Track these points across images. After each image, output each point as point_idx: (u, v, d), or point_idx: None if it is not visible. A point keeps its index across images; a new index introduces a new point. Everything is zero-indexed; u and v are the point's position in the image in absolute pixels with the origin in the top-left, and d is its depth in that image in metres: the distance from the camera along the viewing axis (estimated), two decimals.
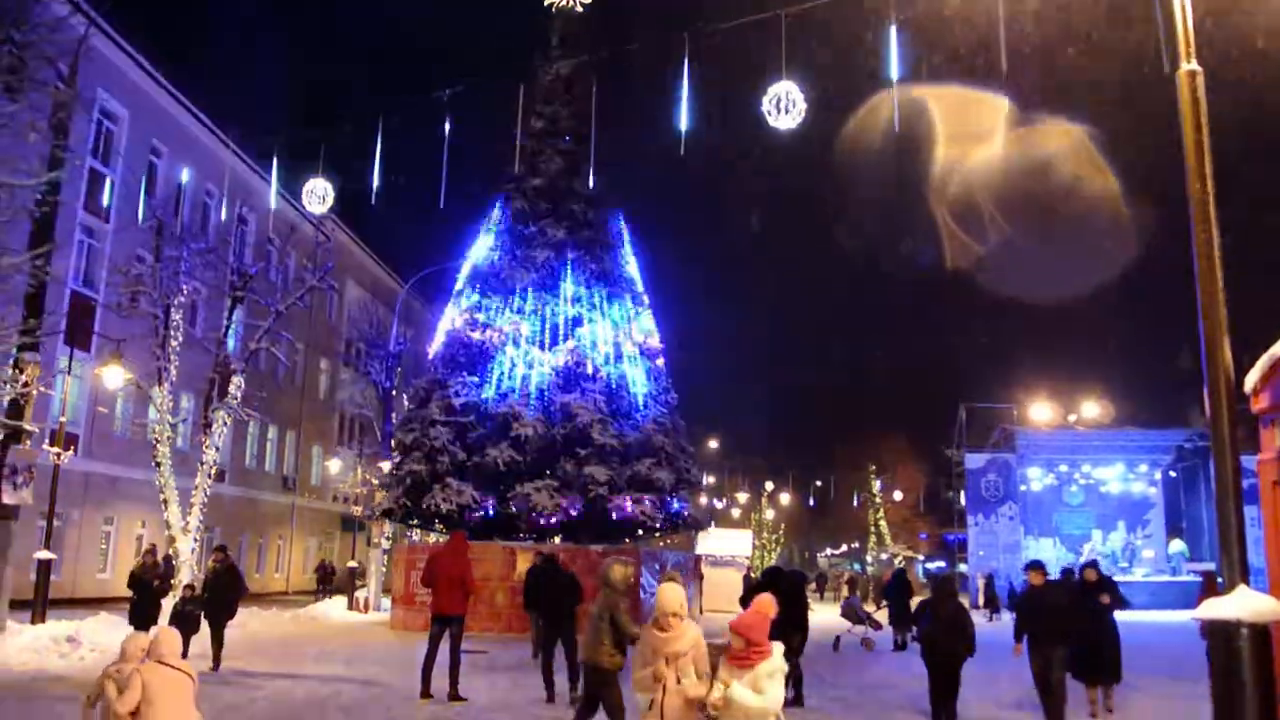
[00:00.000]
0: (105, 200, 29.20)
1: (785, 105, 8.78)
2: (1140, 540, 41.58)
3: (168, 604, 14.01)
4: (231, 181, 33.17)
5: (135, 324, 23.61)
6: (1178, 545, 40.70)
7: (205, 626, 13.21)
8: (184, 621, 12.36)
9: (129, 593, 13.97)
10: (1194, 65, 4.86)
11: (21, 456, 14.55)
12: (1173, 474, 42.05)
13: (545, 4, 27.87)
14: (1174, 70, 4.88)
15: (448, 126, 10.98)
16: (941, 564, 66.28)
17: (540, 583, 13.93)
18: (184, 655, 6.41)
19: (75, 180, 28.05)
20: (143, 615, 13.33)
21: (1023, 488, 41.77)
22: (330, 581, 36.05)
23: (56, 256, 26.93)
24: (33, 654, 14.03)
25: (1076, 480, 42.18)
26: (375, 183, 11.32)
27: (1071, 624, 10.30)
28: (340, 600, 28.78)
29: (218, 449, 23.08)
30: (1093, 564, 12.80)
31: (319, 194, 11.97)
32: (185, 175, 33.07)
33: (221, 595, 13.01)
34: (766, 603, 6.04)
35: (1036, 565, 10.86)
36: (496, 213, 26.30)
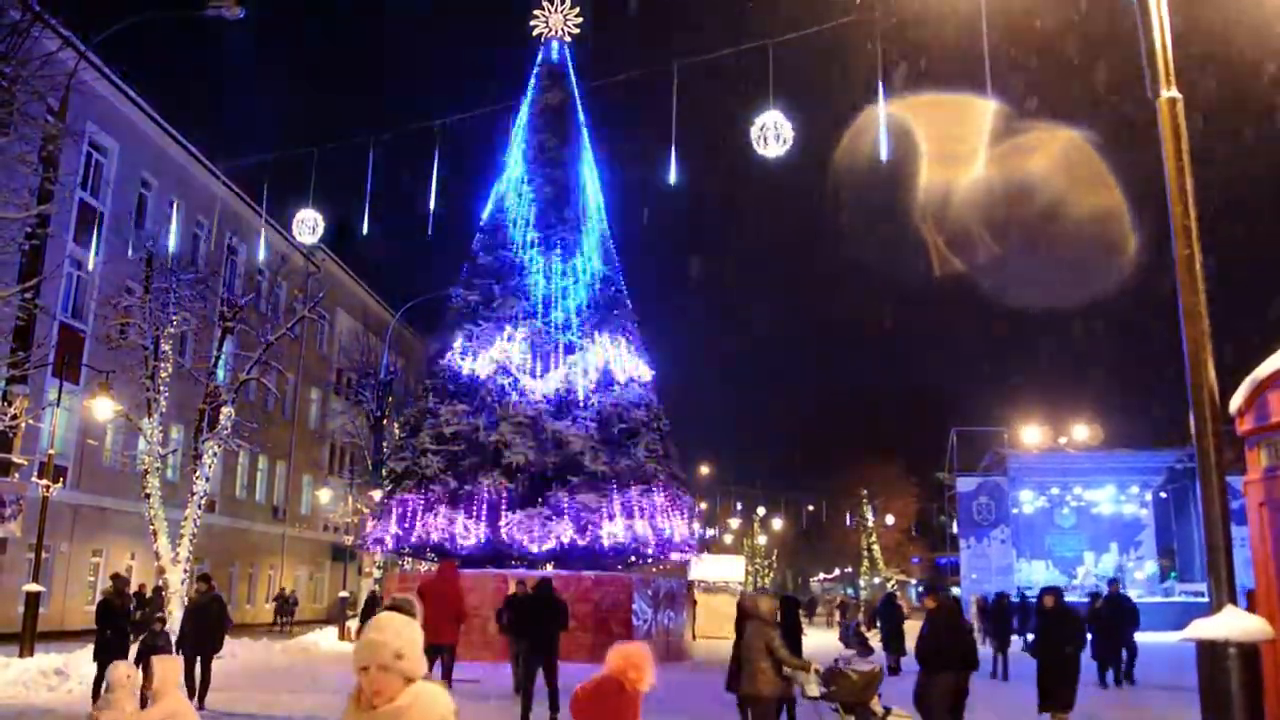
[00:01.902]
0: (94, 232, 29.21)
1: (773, 135, 8.88)
2: (1132, 562, 41.61)
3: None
4: (222, 213, 33.31)
5: (124, 355, 23.56)
6: (1150, 567, 40.80)
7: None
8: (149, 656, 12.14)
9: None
10: (1174, 92, 4.95)
11: (10, 489, 14.47)
12: (1163, 495, 42.13)
13: (534, 34, 28.13)
14: (1155, 97, 4.97)
15: (436, 158, 11.03)
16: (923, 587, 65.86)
17: (525, 609, 13.88)
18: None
19: (64, 212, 28.11)
20: (112, 649, 12.30)
21: (1014, 510, 41.79)
22: (290, 613, 35.20)
23: (45, 289, 27.00)
24: (20, 687, 13.89)
25: (1068, 502, 42.22)
26: (366, 209, 11.37)
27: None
28: (331, 631, 28.59)
29: (208, 480, 22.97)
30: (1053, 590, 12.87)
31: (309, 224, 12.01)
32: (175, 207, 33.19)
33: (206, 627, 12.46)
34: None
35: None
36: (487, 240, 26.35)
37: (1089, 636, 17.00)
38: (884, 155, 8.41)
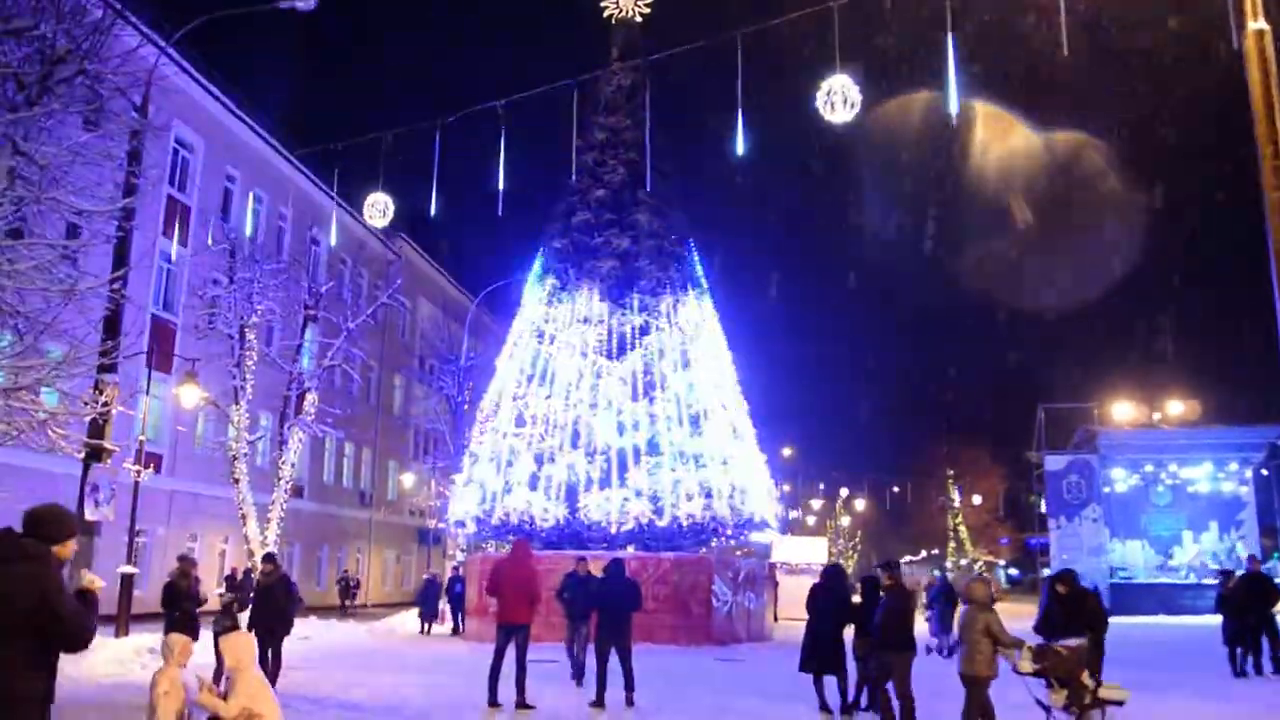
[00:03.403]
0: (182, 226, 30.06)
1: (841, 99, 8.62)
2: (1235, 541, 40.10)
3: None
4: (303, 203, 33.98)
5: (213, 345, 24.19)
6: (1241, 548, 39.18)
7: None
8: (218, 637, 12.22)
9: (205, 605, 13.99)
10: (1262, 24, 4.61)
11: (104, 475, 14.93)
12: (1264, 472, 40.54)
13: (604, 15, 28.00)
14: (1241, 29, 4.64)
15: (503, 138, 11.02)
16: (1015, 572, 64.69)
17: (583, 589, 14.09)
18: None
19: (154, 208, 28.92)
20: (181, 630, 11.58)
21: (1106, 489, 40.62)
22: (352, 595, 35.26)
23: (137, 282, 27.81)
24: (117, 665, 14.37)
25: (1163, 480, 40.85)
26: (434, 192, 11.41)
27: None
28: (414, 612, 29.04)
29: (294, 465, 23.50)
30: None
31: (380, 208, 12.11)
32: (258, 199, 33.91)
33: (274, 609, 12.29)
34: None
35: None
36: (561, 224, 26.39)
37: (1221, 619, 16.20)
38: (953, 111, 8.11)
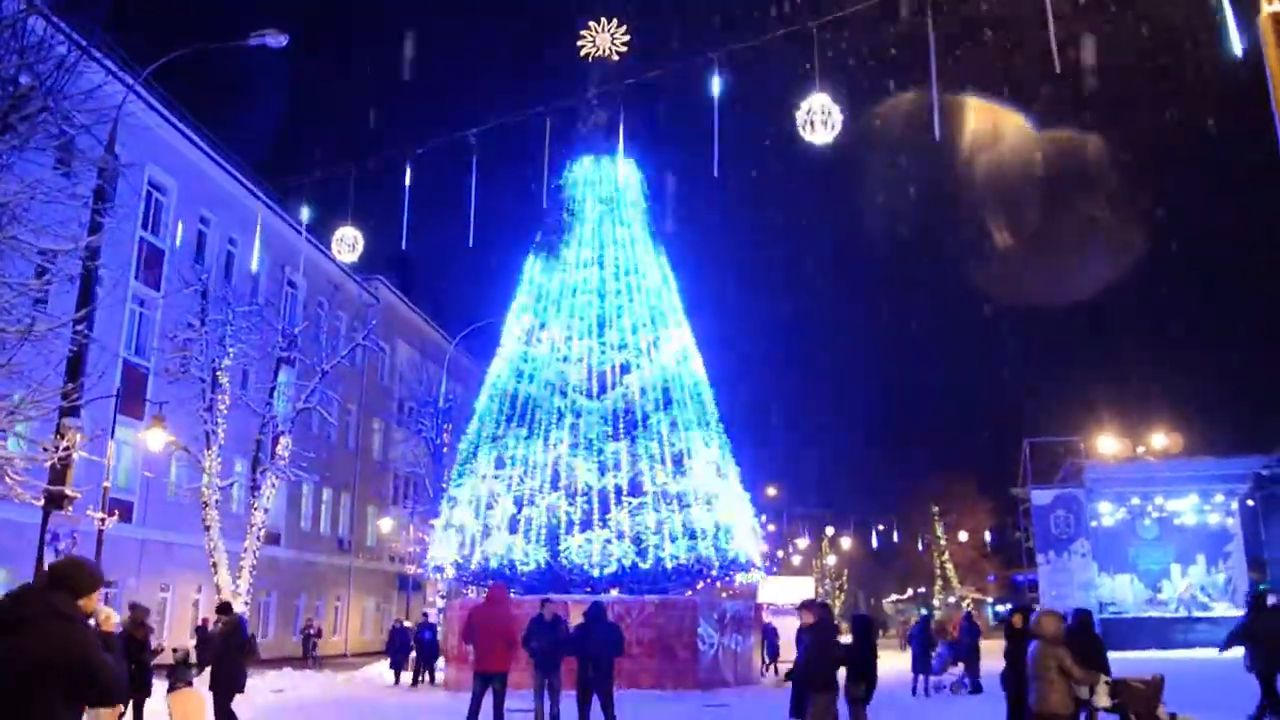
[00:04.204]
0: (156, 270, 29.62)
1: (821, 119, 8.37)
2: (1221, 574, 39.85)
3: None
4: (279, 246, 33.55)
5: (185, 388, 23.67)
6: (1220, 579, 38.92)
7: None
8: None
9: (159, 658, 13.27)
10: (1277, 7, 4.35)
11: (64, 522, 14.37)
12: (1250, 503, 40.36)
13: (581, 54, 27.92)
14: (1256, 14, 4.38)
15: (474, 168, 10.74)
16: (1008, 606, 64.15)
17: (556, 633, 12.88)
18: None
19: (125, 251, 28.46)
20: (133, 683, 10.74)
21: (1094, 523, 40.34)
22: (313, 645, 33.49)
23: (109, 327, 27.34)
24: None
25: (1149, 513, 40.60)
26: (405, 224, 11.10)
27: None
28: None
29: (267, 511, 22.92)
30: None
31: (348, 242, 11.76)
32: (232, 242, 33.55)
33: (228, 662, 11.35)
34: None
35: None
36: (539, 261, 26.12)
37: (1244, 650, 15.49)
38: (935, 134, 7.90)
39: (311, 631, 33.31)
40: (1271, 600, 16.00)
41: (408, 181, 11.33)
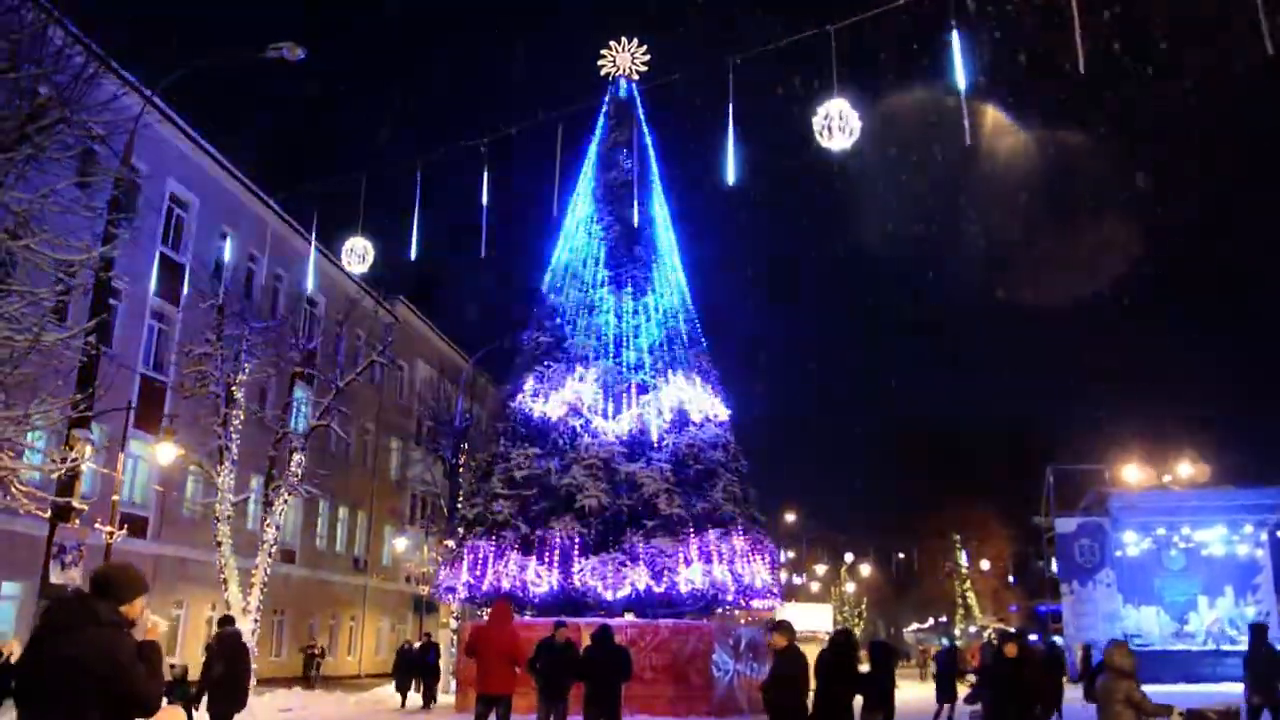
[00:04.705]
0: (175, 286, 29.67)
1: (838, 124, 8.13)
2: (1250, 606, 38.98)
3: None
4: (299, 263, 33.55)
5: (201, 404, 23.59)
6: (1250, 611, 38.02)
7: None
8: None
9: (195, 677, 13.06)
10: None
11: (71, 535, 14.24)
12: None
13: (602, 73, 27.87)
14: None
15: (485, 176, 10.55)
16: (1034, 636, 63.28)
17: (560, 660, 12.24)
18: None
19: (146, 266, 28.57)
20: None
21: (1118, 553, 39.60)
22: (316, 666, 32.73)
23: (128, 342, 27.37)
24: None
25: (1176, 544, 39.82)
26: (415, 232, 10.92)
27: None
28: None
29: (279, 527, 22.75)
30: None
31: (359, 253, 11.60)
32: (253, 259, 33.60)
33: (229, 678, 11.04)
34: None
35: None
36: (556, 280, 25.95)
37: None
38: (966, 139, 7.61)
39: (314, 651, 32.59)
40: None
41: (418, 189, 11.18)
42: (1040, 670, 9.76)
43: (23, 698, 4.09)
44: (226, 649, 11.21)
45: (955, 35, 7.52)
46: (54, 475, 13.78)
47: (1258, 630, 15.08)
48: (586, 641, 12.97)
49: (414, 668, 24.19)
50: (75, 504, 14.15)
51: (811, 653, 11.82)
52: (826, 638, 36.58)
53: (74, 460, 13.64)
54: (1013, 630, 10.75)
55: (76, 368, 14.37)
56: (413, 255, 11.22)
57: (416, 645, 25.54)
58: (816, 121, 8.14)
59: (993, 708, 10.00)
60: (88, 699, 3.96)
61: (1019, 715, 9.23)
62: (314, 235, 14.19)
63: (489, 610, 16.86)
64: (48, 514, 13.93)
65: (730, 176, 8.96)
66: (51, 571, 13.84)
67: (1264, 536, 39.21)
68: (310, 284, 17.17)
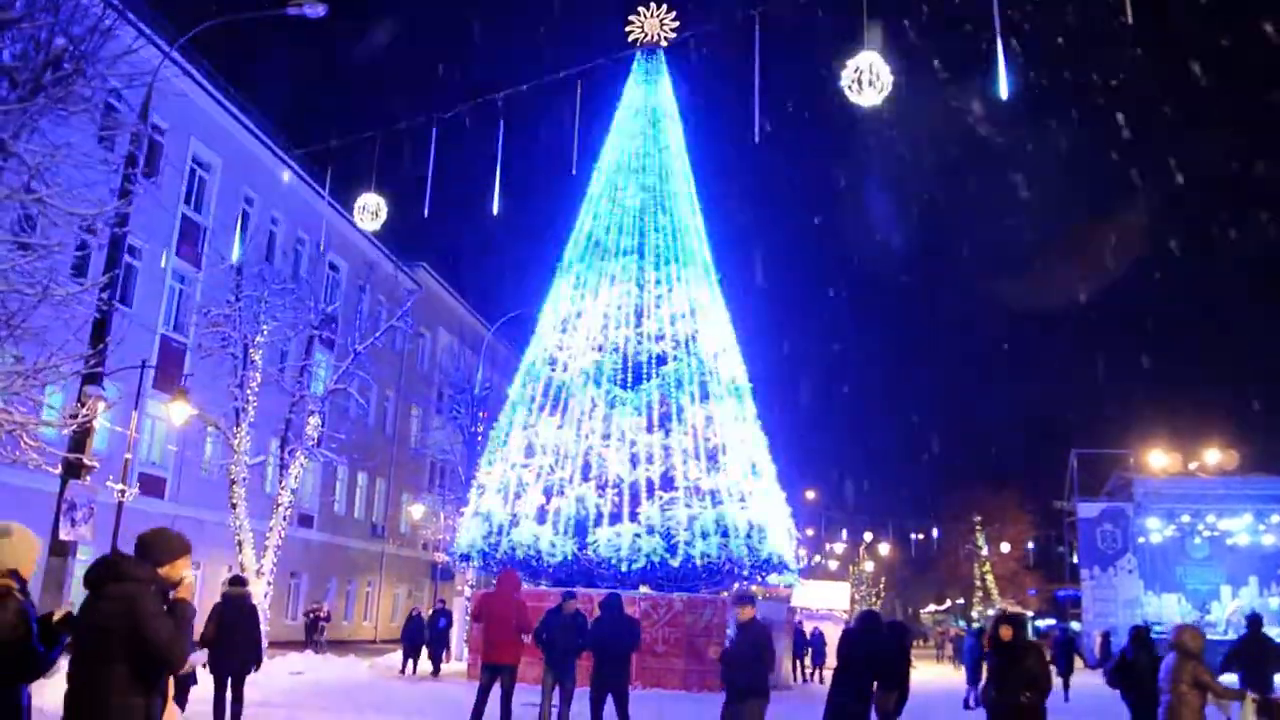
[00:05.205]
0: (197, 247, 29.58)
1: (869, 79, 7.75)
2: (1275, 598, 38.44)
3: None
4: (321, 227, 33.37)
5: (220, 364, 23.49)
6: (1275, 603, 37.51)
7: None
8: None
9: (210, 638, 12.80)
10: None
11: (82, 492, 14.13)
12: None
13: (629, 39, 27.42)
14: None
15: (501, 134, 10.25)
16: (1051, 621, 63.10)
17: (567, 630, 11.81)
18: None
19: (167, 228, 28.48)
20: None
21: (1141, 539, 39.10)
22: (320, 630, 31.88)
23: (147, 303, 27.32)
24: None
25: (1200, 532, 39.27)
26: (429, 190, 10.65)
27: None
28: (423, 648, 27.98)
29: (295, 491, 22.67)
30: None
31: (371, 209, 11.35)
32: (274, 222, 33.44)
33: (238, 638, 10.78)
34: None
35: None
36: (578, 249, 25.64)
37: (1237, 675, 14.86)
38: (1003, 93, 7.21)
39: (318, 614, 32.06)
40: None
41: (433, 146, 10.90)
42: (1042, 657, 9.36)
43: (72, 654, 4.32)
44: (228, 609, 11.05)
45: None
46: (64, 431, 13.65)
47: (1254, 621, 14.83)
48: (597, 612, 12.75)
49: (420, 635, 24.05)
50: (87, 461, 14.03)
51: (829, 632, 11.55)
52: (843, 617, 36.33)
53: (86, 417, 13.47)
54: (1010, 612, 10.29)
55: (90, 323, 14.21)
56: (426, 213, 10.96)
57: (428, 612, 25.37)
58: (846, 75, 7.78)
59: (983, 693, 9.74)
60: (117, 654, 4.13)
61: (1004, 702, 8.82)
62: (327, 190, 13.91)
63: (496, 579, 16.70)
64: (58, 470, 13.83)
65: (757, 135, 8.63)
66: (61, 528, 13.75)
67: None
68: (323, 240, 16.88)
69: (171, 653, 4.25)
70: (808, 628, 29.01)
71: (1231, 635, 37.22)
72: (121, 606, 4.16)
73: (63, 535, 13.65)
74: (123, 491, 16.01)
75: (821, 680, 25.58)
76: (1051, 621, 58.78)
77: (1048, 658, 11.18)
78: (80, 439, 14.04)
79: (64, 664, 4.44)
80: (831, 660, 26.04)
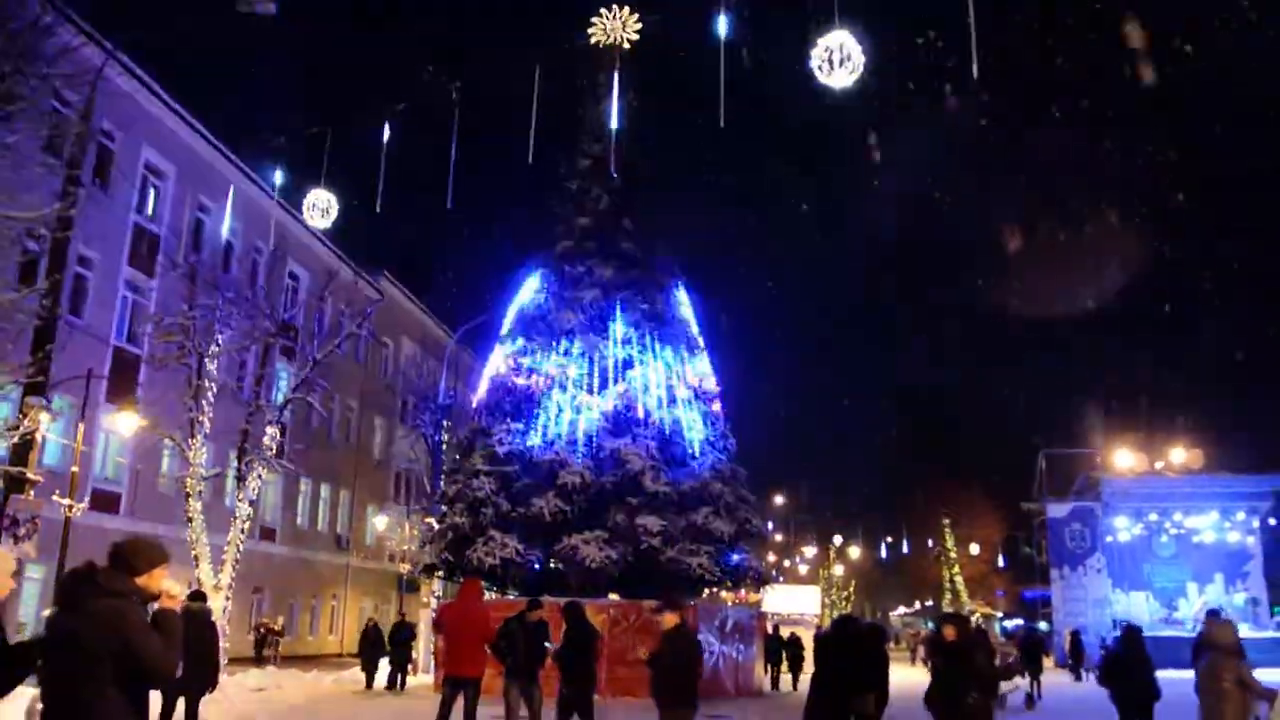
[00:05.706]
0: (150, 257, 28.81)
1: (839, 58, 7.47)
2: (1240, 594, 38.76)
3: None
4: (281, 236, 32.72)
5: (175, 375, 22.83)
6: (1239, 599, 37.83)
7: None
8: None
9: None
10: None
11: (24, 507, 13.55)
12: (1272, 521, 39.26)
13: (592, 41, 27.04)
14: None
15: (455, 123, 9.89)
16: (1019, 622, 63.42)
17: (537, 639, 11.27)
18: None
19: (119, 237, 27.76)
20: None
21: (1109, 538, 39.27)
22: (272, 645, 30.97)
23: (99, 313, 26.57)
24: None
25: (1167, 530, 39.52)
26: (381, 185, 10.27)
27: None
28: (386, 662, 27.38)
29: (253, 503, 22.05)
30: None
31: (320, 206, 10.94)
32: (233, 231, 32.70)
33: (196, 656, 10.19)
34: None
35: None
36: (542, 253, 25.28)
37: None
38: (974, 73, 6.99)
39: (272, 630, 31.08)
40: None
41: (385, 145, 10.52)
42: (990, 655, 9.08)
43: (41, 675, 4.14)
44: (188, 625, 10.50)
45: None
46: (5, 445, 13.08)
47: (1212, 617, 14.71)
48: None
49: (378, 648, 23.43)
50: (30, 475, 13.45)
51: (803, 636, 11.23)
52: (815, 622, 36.06)
53: (28, 429, 12.91)
54: (950, 612, 10.02)
55: (30, 330, 13.65)
56: (378, 208, 10.57)
57: (389, 625, 24.73)
58: (816, 56, 7.47)
59: (926, 697, 9.34)
60: (103, 671, 3.91)
61: (951, 703, 8.52)
62: (275, 191, 13.46)
63: (458, 588, 16.20)
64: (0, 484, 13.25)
65: (722, 120, 8.35)
66: (3, 544, 13.15)
67: (1255, 524, 39.00)
68: (272, 241, 16.40)
69: (166, 669, 4.11)
70: (785, 633, 28.68)
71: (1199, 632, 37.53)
72: (109, 625, 3.94)
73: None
74: (70, 507, 15.39)
75: (795, 686, 25.28)
76: (1020, 621, 58.98)
77: (996, 658, 10.95)
78: (22, 451, 13.46)
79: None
80: (809, 665, 25.84)
